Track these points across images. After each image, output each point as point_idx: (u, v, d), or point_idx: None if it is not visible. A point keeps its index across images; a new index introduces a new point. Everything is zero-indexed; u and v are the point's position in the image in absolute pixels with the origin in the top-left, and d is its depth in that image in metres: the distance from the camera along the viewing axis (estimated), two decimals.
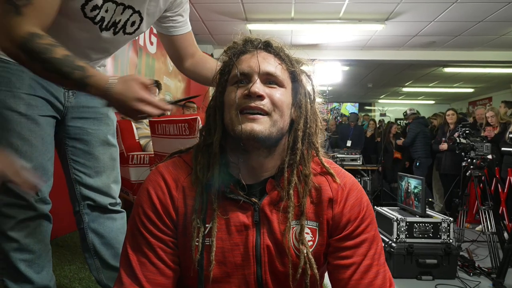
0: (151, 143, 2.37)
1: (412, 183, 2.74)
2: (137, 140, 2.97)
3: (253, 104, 0.73)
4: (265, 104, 0.74)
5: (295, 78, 0.80)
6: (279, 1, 4.39)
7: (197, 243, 0.73)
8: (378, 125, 7.11)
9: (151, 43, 4.14)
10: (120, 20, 1.08)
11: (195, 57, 1.26)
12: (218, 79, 0.83)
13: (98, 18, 1.02)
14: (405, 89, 10.21)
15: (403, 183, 2.88)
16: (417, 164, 5.31)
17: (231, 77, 0.78)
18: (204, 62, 1.26)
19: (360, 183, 5.65)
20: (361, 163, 6.21)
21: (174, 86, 5.09)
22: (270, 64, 0.77)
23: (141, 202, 0.78)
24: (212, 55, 6.32)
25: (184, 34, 1.23)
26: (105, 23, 1.05)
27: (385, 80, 9.01)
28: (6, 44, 0.85)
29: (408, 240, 2.50)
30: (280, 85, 0.77)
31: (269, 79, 0.76)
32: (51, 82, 1.03)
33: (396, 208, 2.92)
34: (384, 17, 4.74)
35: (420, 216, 2.58)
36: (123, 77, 0.88)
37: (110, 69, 3.27)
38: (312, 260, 0.76)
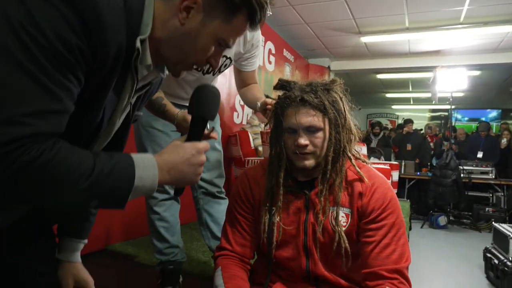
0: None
1: None
2: (252, 148, 3.52)
3: (302, 151, 1.07)
4: (309, 148, 1.07)
5: (328, 116, 1.08)
6: (391, 13, 4.45)
7: (266, 220, 1.12)
8: None
9: (270, 62, 4.71)
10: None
11: (249, 85, 1.70)
12: (274, 119, 1.15)
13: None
14: None
15: None
16: None
17: (285, 128, 1.10)
18: (250, 90, 1.69)
19: (492, 199, 5.23)
20: (493, 176, 5.63)
21: None
22: (308, 118, 1.06)
23: (233, 192, 1.22)
24: (329, 68, 6.62)
25: (249, 72, 1.69)
26: (206, 69, 1.55)
27: None
28: None
29: None
30: (318, 128, 1.07)
31: (309, 129, 1.07)
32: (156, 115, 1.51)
33: None
34: None
35: None
36: (183, 111, 1.37)
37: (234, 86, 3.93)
38: (344, 236, 1.06)
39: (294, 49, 5.71)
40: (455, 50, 5.66)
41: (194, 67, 0.80)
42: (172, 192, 1.67)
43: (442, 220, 5.40)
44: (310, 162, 1.08)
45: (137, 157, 0.67)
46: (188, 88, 1.64)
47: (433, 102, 6.61)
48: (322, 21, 4.79)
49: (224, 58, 1.59)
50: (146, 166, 0.67)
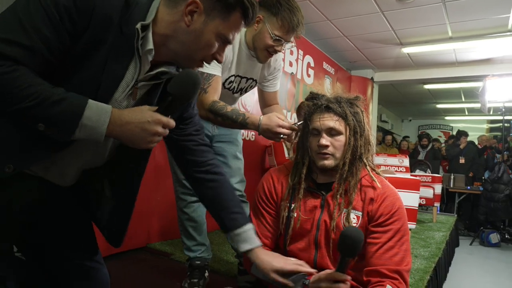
0: None
1: None
2: (287, 158, 3.66)
3: (323, 151, 1.22)
4: (329, 149, 1.22)
5: (348, 123, 1.23)
6: (432, 24, 4.39)
7: (286, 214, 1.28)
8: None
9: (308, 75, 4.84)
10: (244, 86, 1.76)
11: (271, 106, 1.86)
12: (303, 124, 1.33)
13: (232, 87, 1.73)
14: None
15: None
16: None
17: (310, 130, 1.27)
18: (272, 110, 1.84)
19: None
20: None
21: None
22: (330, 122, 1.22)
23: (259, 189, 1.38)
24: (372, 79, 6.58)
25: (271, 92, 1.86)
26: (235, 89, 1.75)
27: None
28: (202, 112, 1.42)
29: None
30: (339, 133, 1.23)
31: (331, 132, 1.23)
32: (227, 127, 1.69)
33: None
34: None
35: None
36: (266, 115, 1.49)
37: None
38: None
39: (336, 62, 5.78)
40: (506, 58, 5.38)
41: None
42: None
43: (494, 237, 5.10)
44: (329, 162, 1.22)
45: (94, 102, 0.75)
46: (232, 101, 1.86)
47: (487, 112, 6.28)
48: (361, 33, 4.84)
49: (251, 80, 1.79)
50: (99, 111, 0.74)
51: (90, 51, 0.77)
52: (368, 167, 1.27)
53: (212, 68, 1.57)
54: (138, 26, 0.80)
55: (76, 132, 0.73)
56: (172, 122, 0.83)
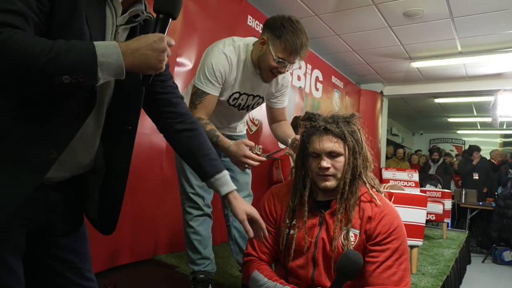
0: None
1: None
2: None
3: (324, 172, 1.24)
4: (330, 171, 1.24)
5: (347, 144, 1.24)
6: (440, 39, 4.40)
7: (286, 232, 1.30)
8: None
9: (317, 89, 4.86)
10: (251, 104, 1.80)
11: (280, 122, 1.89)
12: (300, 145, 1.34)
13: (237, 104, 1.77)
14: None
15: None
16: None
17: (310, 152, 1.28)
18: (280, 127, 1.88)
19: None
20: None
21: None
22: (329, 144, 1.24)
23: (260, 206, 1.41)
24: (381, 93, 6.58)
25: (279, 108, 1.88)
26: (241, 106, 1.78)
27: None
28: None
29: None
30: (339, 154, 1.24)
31: (331, 154, 1.25)
32: None
33: None
34: None
35: None
36: (236, 143, 1.54)
37: None
38: None
39: (345, 75, 5.81)
40: None
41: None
42: (205, 209, 1.89)
43: (508, 255, 4.98)
44: (331, 183, 1.24)
45: (97, 42, 0.76)
46: (223, 120, 1.89)
47: (498, 126, 6.20)
48: (369, 48, 4.87)
49: (257, 97, 1.83)
50: (107, 47, 0.75)
51: (68, 7, 0.78)
52: (367, 185, 1.28)
53: (208, 88, 1.63)
54: None
55: (98, 72, 0.74)
56: (172, 40, 0.85)
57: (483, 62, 4.98)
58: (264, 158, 1.53)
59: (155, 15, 0.89)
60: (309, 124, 1.31)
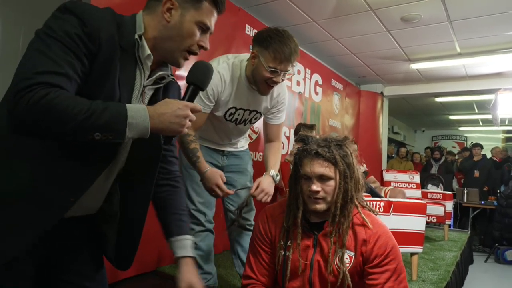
0: None
1: None
2: None
3: (314, 196, 1.26)
4: (320, 194, 1.26)
5: (338, 168, 1.26)
6: (439, 41, 4.40)
7: (281, 254, 1.32)
8: None
9: (316, 93, 4.88)
10: (248, 118, 1.82)
11: (272, 142, 1.93)
12: (293, 167, 1.36)
13: (233, 119, 1.79)
14: None
15: None
16: None
17: (301, 175, 1.30)
18: (267, 150, 1.93)
19: None
20: None
21: (341, 127, 5.64)
22: (320, 169, 1.25)
23: (255, 227, 1.44)
24: (382, 93, 6.58)
25: (274, 125, 1.91)
26: (238, 120, 1.81)
27: None
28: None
29: None
30: (330, 178, 1.26)
31: (322, 177, 1.26)
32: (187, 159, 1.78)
33: None
34: None
35: None
36: (213, 171, 1.64)
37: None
38: (348, 275, 1.23)
39: (344, 77, 5.82)
40: None
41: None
42: (207, 225, 1.92)
43: (510, 255, 4.99)
44: (321, 206, 1.26)
45: (129, 105, 0.85)
46: (222, 135, 1.92)
47: (499, 125, 6.20)
48: (368, 51, 4.88)
49: (254, 112, 1.86)
50: (137, 109, 0.84)
51: (104, 70, 0.87)
52: (359, 208, 1.31)
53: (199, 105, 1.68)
54: (136, 36, 0.92)
55: (127, 132, 0.82)
56: (198, 105, 0.95)
57: (482, 62, 4.97)
58: (231, 192, 1.73)
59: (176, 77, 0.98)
60: (302, 147, 1.34)
